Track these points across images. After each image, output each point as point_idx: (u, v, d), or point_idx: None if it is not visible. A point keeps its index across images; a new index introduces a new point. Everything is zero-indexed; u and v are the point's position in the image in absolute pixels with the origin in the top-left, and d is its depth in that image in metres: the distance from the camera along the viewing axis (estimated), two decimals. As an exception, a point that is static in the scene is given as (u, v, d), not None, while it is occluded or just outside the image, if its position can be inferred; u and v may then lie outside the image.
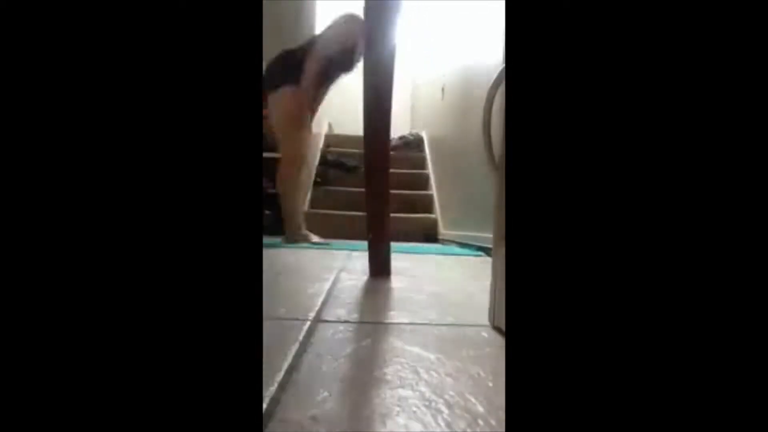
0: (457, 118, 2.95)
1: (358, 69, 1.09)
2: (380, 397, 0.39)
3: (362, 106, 1.06)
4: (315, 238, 2.21)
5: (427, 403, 0.38)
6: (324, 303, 0.79)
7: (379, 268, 1.18)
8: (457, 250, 2.22)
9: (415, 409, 0.37)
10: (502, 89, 0.71)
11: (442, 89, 3.39)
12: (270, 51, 3.11)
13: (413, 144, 4.08)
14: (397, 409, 0.37)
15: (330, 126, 4.19)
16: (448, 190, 3.14)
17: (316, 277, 1.10)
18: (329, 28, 2.07)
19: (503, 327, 0.62)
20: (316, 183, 3.26)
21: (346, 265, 1.38)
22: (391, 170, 1.19)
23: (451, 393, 0.40)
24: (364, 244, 1.21)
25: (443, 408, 0.37)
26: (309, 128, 2.17)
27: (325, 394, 0.39)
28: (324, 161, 3.47)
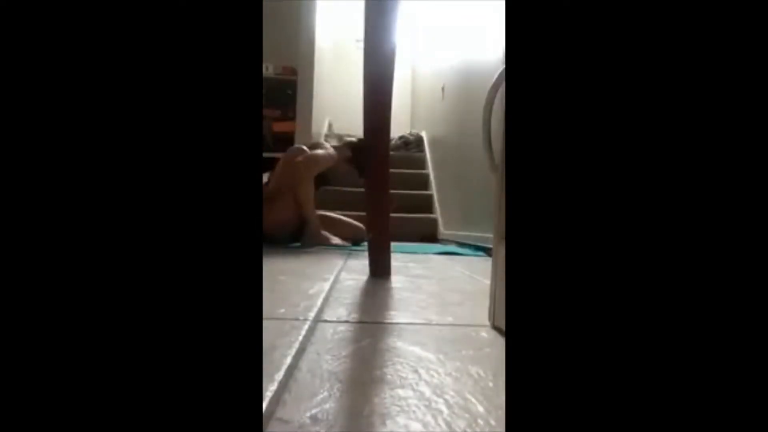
0: (457, 118, 2.95)
1: (359, 68, 1.09)
2: (380, 397, 0.39)
3: (362, 106, 1.06)
4: (335, 240, 2.23)
5: (427, 403, 0.38)
6: (324, 303, 0.79)
7: (379, 267, 1.18)
8: (457, 250, 2.22)
9: (415, 409, 0.37)
10: (502, 90, 0.71)
11: (442, 89, 3.39)
12: (270, 51, 3.11)
13: (413, 144, 4.08)
14: (397, 409, 0.37)
15: (330, 125, 4.19)
16: (448, 190, 3.14)
17: (316, 277, 1.10)
18: None
19: (503, 327, 0.62)
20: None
21: (346, 265, 1.38)
22: (391, 170, 1.19)
23: (451, 393, 0.40)
24: (364, 243, 1.21)
25: (443, 408, 0.37)
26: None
27: (325, 394, 0.39)
28: None
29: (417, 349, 0.53)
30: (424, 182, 3.68)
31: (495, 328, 0.65)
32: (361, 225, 2.27)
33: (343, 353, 0.51)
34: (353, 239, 2.25)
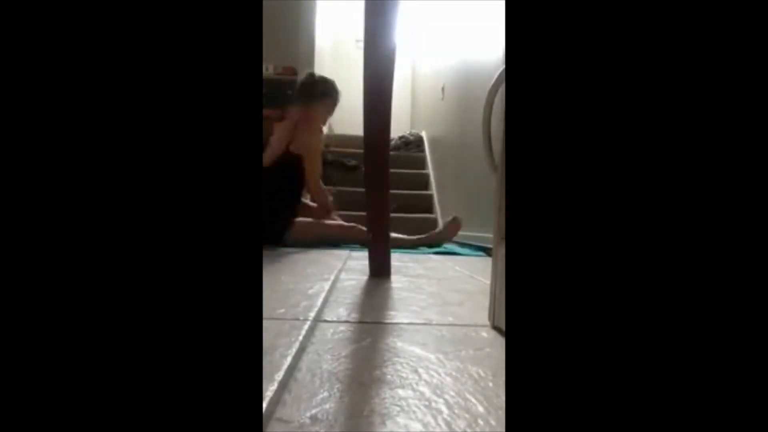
0: (457, 118, 2.95)
1: (359, 67, 1.09)
2: (380, 397, 0.39)
3: (362, 106, 1.06)
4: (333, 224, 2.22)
5: (427, 403, 0.38)
6: (324, 303, 0.79)
7: (379, 268, 1.18)
8: (457, 249, 2.22)
9: (415, 409, 0.37)
10: (502, 89, 0.71)
11: (442, 89, 3.39)
12: (270, 51, 3.11)
13: (413, 144, 4.08)
14: (397, 409, 0.37)
15: (330, 126, 4.19)
16: (448, 190, 3.14)
17: (316, 277, 1.10)
18: None
19: (503, 327, 0.62)
20: None
21: (346, 265, 1.38)
22: (391, 170, 1.19)
23: (451, 393, 0.40)
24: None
25: (443, 408, 0.37)
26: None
27: (325, 394, 0.39)
28: (324, 161, 3.47)
29: (417, 349, 0.53)
30: (424, 182, 3.68)
31: (495, 328, 0.65)
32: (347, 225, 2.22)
33: (343, 353, 0.51)
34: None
